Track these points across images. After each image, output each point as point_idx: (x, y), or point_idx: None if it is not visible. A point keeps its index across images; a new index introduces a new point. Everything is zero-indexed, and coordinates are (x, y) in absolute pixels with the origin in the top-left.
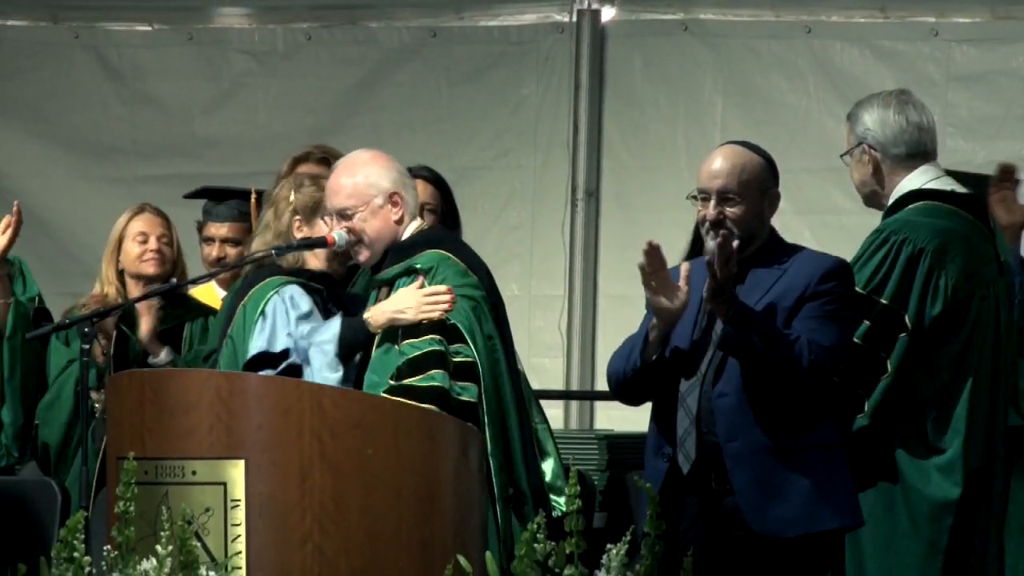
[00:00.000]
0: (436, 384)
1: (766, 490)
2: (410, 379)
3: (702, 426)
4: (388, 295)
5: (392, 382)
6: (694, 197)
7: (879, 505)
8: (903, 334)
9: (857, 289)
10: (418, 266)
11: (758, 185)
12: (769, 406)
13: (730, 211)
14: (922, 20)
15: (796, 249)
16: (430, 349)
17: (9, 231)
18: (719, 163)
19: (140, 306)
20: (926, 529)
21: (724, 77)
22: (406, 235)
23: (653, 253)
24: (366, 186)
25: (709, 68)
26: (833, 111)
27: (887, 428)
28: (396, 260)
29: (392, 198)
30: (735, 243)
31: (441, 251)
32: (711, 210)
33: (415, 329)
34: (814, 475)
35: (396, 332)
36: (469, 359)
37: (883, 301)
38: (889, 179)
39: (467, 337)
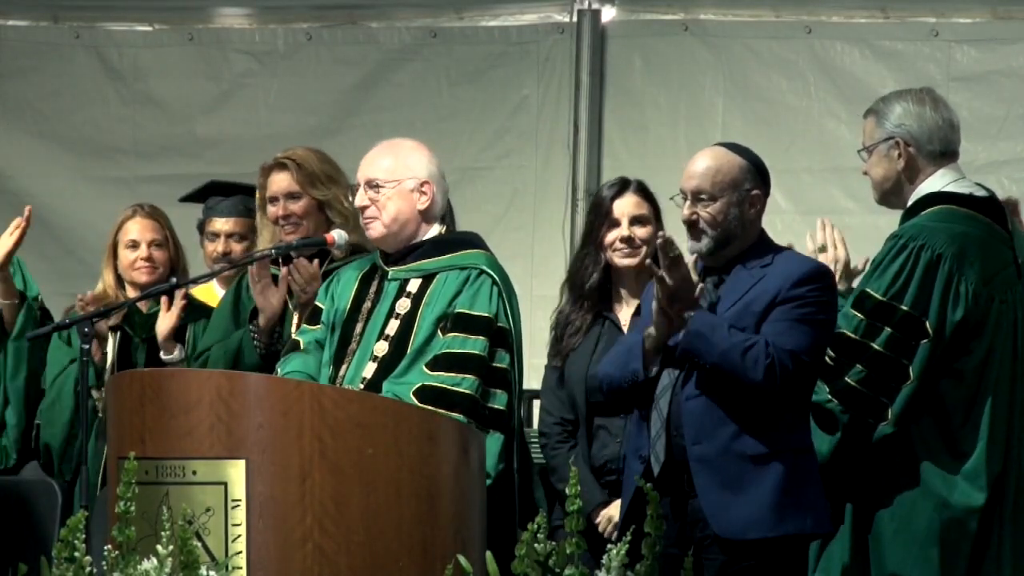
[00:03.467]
0: (468, 392)
1: (728, 493)
2: (442, 376)
3: (671, 428)
4: (423, 285)
5: (427, 370)
6: (681, 197)
7: (900, 511)
8: (924, 340)
9: (878, 296)
10: (484, 267)
11: (733, 186)
12: (736, 410)
13: (702, 212)
14: (922, 20)
15: (781, 251)
16: (473, 352)
17: (17, 233)
18: (697, 164)
19: (163, 302)
20: (949, 535)
21: (724, 77)
22: (430, 234)
23: (667, 246)
24: (403, 167)
25: (709, 68)
26: (834, 111)
27: (911, 435)
28: (435, 254)
29: (423, 187)
30: (701, 245)
31: (487, 253)
32: (685, 210)
33: (468, 322)
34: (780, 480)
35: (445, 319)
36: (504, 366)
37: (904, 308)
38: (922, 174)
39: (512, 344)
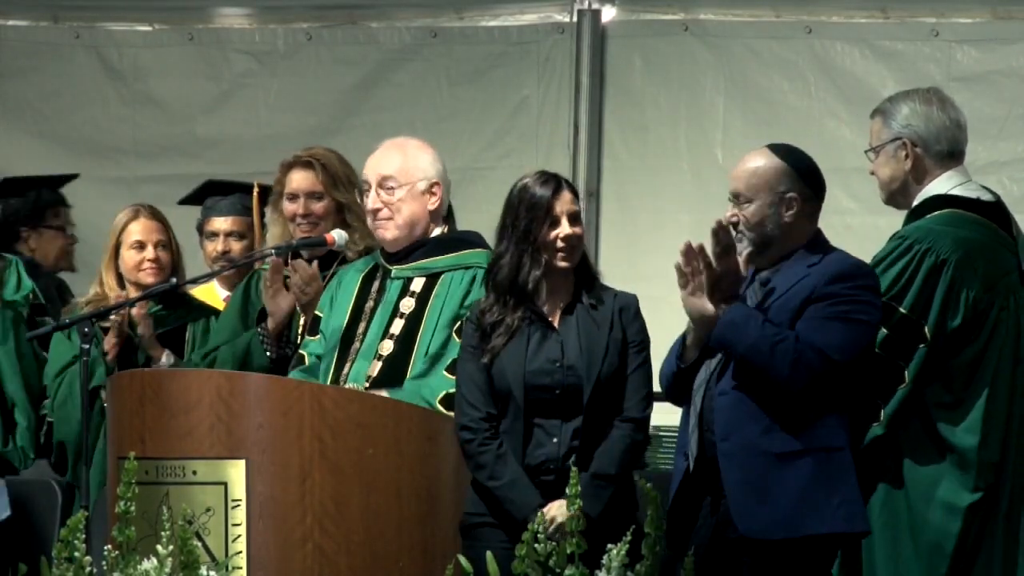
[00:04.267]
0: None
1: (755, 491)
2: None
3: (704, 424)
4: (427, 285)
5: (447, 375)
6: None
7: (886, 510)
8: (922, 345)
9: None
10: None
11: (768, 188)
12: (767, 406)
13: (742, 213)
14: (923, 20)
15: (832, 251)
16: None
17: None
18: (739, 166)
19: (135, 313)
20: (932, 534)
21: (725, 77)
22: (434, 233)
23: (691, 254)
24: (414, 167)
25: (710, 68)
26: (835, 111)
27: (899, 436)
28: (438, 253)
29: (433, 188)
30: (744, 247)
31: (489, 252)
32: (728, 212)
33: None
34: (807, 478)
35: (460, 322)
36: None
37: (902, 310)
38: (929, 175)
39: None
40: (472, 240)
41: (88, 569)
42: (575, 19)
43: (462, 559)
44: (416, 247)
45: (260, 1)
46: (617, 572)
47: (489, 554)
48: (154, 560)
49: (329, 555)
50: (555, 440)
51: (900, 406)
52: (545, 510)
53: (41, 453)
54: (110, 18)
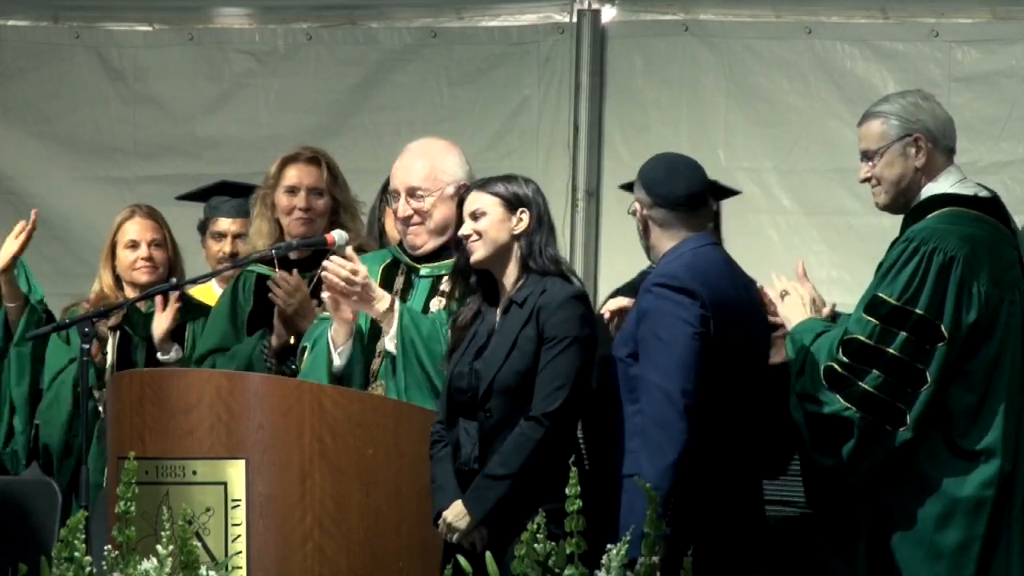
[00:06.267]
0: None
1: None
2: None
3: None
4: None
5: None
6: None
7: (910, 514)
8: (941, 344)
9: (892, 301)
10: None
11: None
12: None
13: None
14: (923, 21)
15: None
16: None
17: (23, 236)
18: None
19: (158, 302)
20: (958, 533)
21: (726, 78)
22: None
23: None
24: (442, 172)
25: (710, 69)
26: (836, 112)
27: (925, 439)
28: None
29: (460, 190)
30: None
31: None
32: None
33: None
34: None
35: None
36: None
37: (919, 312)
38: (937, 171)
39: None
40: None
41: (88, 569)
42: (575, 19)
43: (462, 559)
44: (446, 246)
45: (260, 1)
46: (617, 572)
47: (488, 554)
48: (154, 560)
49: (329, 555)
50: (475, 441)
51: (926, 408)
52: (445, 512)
53: (34, 455)
54: (110, 18)
